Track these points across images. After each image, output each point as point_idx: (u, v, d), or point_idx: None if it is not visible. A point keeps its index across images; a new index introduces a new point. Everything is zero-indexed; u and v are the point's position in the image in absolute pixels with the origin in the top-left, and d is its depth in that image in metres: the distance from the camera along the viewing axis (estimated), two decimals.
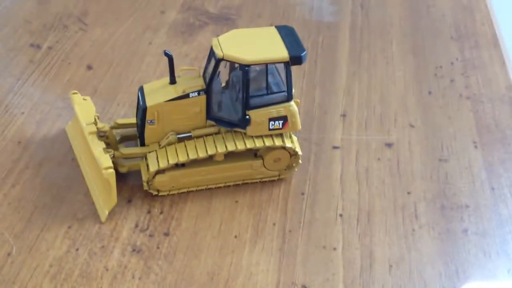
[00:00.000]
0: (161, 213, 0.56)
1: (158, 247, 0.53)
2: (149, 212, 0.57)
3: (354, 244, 0.54)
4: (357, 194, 0.59)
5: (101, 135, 0.57)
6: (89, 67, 0.75)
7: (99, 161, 0.53)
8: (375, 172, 0.62)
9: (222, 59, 0.52)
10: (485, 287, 0.52)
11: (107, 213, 0.55)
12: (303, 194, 0.59)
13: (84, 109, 0.59)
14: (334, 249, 0.54)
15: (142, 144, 0.57)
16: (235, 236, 0.55)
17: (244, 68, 0.51)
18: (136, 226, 0.55)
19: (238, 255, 0.53)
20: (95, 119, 0.58)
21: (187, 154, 0.55)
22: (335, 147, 0.65)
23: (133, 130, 0.60)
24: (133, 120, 0.60)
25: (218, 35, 0.54)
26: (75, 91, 0.62)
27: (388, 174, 0.62)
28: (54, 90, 0.71)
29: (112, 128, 0.59)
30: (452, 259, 0.53)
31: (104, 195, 0.55)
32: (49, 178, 0.59)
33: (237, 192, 0.59)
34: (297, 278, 0.51)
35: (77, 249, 0.53)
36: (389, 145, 0.65)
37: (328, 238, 0.55)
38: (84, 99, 0.61)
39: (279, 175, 0.59)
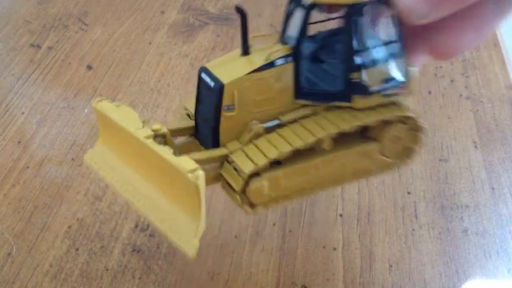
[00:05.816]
0: None
1: (158, 247, 0.53)
2: None
3: (354, 244, 0.54)
4: (357, 194, 0.59)
5: (158, 141, 0.39)
6: (89, 67, 0.75)
7: (179, 165, 0.34)
8: None
9: (315, 5, 0.36)
10: (485, 287, 0.52)
11: (197, 243, 0.34)
12: None
13: (124, 115, 0.39)
14: (334, 249, 0.54)
15: (215, 144, 0.40)
16: (235, 236, 0.55)
17: (355, 7, 0.36)
18: (136, 226, 0.55)
19: (238, 255, 0.53)
20: (143, 124, 0.39)
21: (289, 143, 0.38)
22: None
23: (183, 138, 0.43)
24: (188, 123, 0.42)
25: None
26: (100, 99, 0.42)
27: (388, 174, 0.61)
28: (54, 90, 0.71)
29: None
30: (452, 259, 0.53)
31: (183, 218, 0.36)
32: (49, 178, 0.59)
33: None
34: (297, 278, 0.51)
35: (77, 249, 0.53)
36: None
37: (328, 238, 0.55)
38: (116, 106, 0.41)
39: (399, 165, 0.44)
